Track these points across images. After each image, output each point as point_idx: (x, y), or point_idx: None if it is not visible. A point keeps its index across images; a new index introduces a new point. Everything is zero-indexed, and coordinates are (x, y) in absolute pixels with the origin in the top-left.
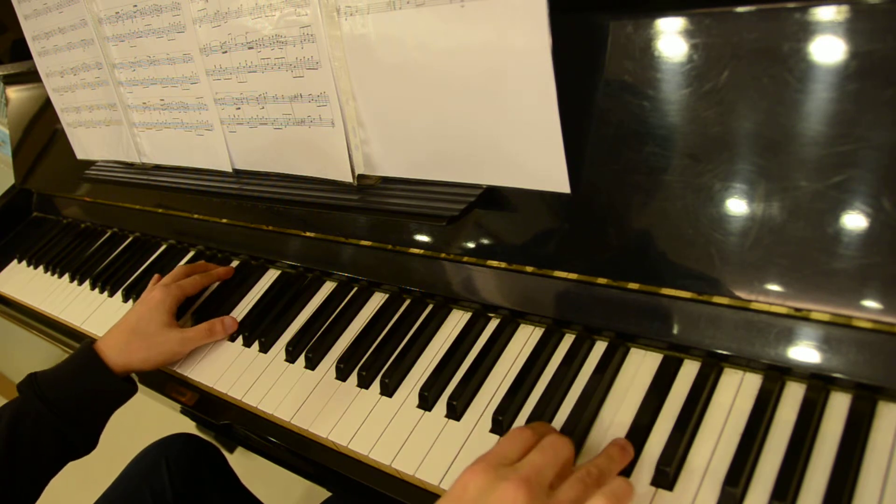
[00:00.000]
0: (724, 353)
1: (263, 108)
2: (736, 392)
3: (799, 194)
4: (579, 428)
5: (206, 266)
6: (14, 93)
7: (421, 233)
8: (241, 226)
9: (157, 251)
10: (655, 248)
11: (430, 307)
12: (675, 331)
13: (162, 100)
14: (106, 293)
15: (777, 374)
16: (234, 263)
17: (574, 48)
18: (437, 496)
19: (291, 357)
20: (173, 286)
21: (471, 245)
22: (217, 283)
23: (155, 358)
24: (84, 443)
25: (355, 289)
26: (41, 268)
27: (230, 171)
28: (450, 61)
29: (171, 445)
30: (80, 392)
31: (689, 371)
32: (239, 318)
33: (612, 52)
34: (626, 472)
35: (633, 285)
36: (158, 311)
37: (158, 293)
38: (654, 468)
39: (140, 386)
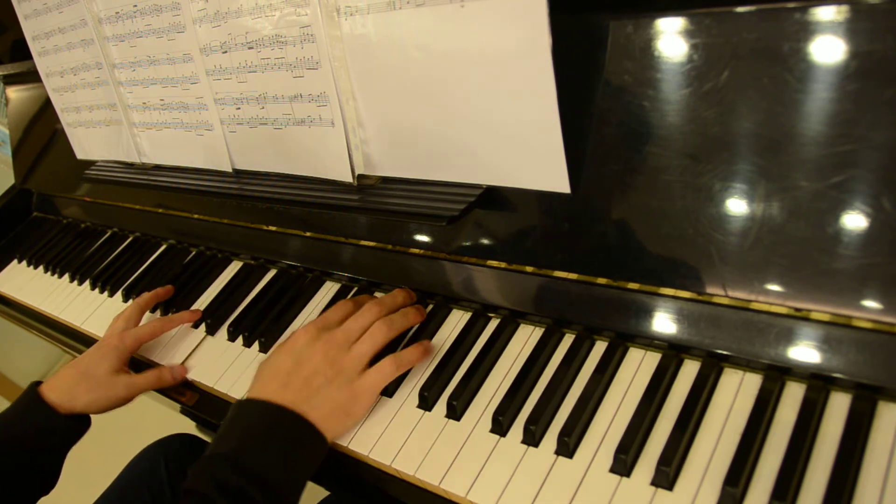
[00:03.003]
0: (724, 353)
1: (263, 108)
2: (736, 392)
3: (799, 194)
4: (579, 428)
5: (154, 298)
6: (14, 93)
7: (421, 233)
8: (241, 226)
9: (157, 251)
10: (655, 248)
11: (430, 307)
12: (675, 331)
13: (162, 100)
14: (106, 293)
15: (777, 374)
16: (235, 263)
17: (574, 48)
18: (437, 496)
19: None
20: (129, 337)
21: (471, 245)
22: (219, 284)
23: (101, 402)
24: (41, 482)
25: (355, 289)
26: (41, 268)
27: (230, 171)
28: (450, 61)
29: (170, 445)
30: (26, 433)
31: (689, 371)
32: (239, 318)
33: (612, 52)
34: (627, 471)
35: (632, 285)
36: (109, 358)
37: (115, 340)
38: (654, 468)
39: None
